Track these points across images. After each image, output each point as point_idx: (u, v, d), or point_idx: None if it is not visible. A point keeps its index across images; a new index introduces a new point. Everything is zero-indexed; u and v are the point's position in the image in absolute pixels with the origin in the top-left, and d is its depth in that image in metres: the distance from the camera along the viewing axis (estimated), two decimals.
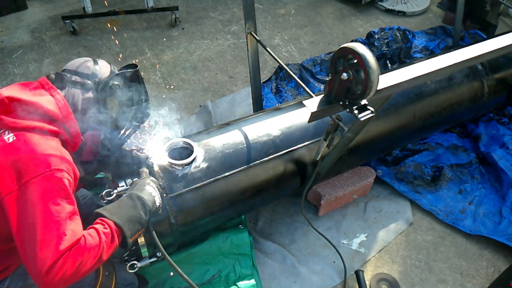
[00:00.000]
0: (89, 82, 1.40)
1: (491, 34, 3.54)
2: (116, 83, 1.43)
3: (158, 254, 1.65)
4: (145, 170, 1.57)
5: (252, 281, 1.98)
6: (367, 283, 2.10)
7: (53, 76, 1.37)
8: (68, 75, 1.38)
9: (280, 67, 3.11)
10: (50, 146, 1.21)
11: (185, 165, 1.69)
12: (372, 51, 1.18)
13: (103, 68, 1.45)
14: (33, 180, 1.12)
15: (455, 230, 2.36)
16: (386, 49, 3.35)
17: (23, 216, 1.10)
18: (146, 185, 1.46)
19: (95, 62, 1.45)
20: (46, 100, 1.28)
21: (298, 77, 2.45)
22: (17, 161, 1.13)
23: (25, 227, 1.09)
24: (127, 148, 1.68)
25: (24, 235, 1.09)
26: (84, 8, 3.51)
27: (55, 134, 1.27)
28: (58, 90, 1.34)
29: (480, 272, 2.20)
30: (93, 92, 1.40)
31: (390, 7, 4.12)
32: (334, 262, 2.16)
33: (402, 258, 2.24)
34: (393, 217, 2.40)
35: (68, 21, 3.50)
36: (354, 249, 2.24)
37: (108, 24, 3.73)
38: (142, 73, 1.54)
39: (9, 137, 1.16)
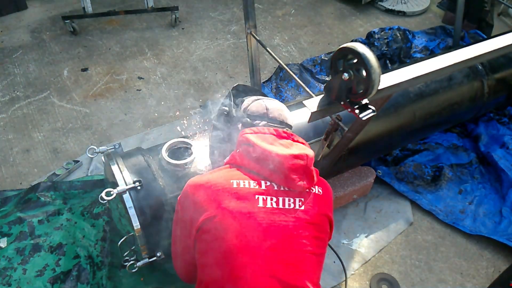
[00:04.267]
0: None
1: (487, 34, 3.54)
2: None
3: (158, 253, 1.65)
4: None
5: None
6: (367, 283, 2.10)
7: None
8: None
9: (280, 67, 3.11)
10: None
11: (185, 165, 1.69)
12: (372, 50, 1.18)
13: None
14: None
15: (455, 230, 2.36)
16: (386, 49, 3.35)
17: None
18: None
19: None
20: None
21: (298, 77, 2.45)
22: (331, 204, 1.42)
23: None
24: None
25: None
26: (84, 8, 3.51)
27: None
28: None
29: (480, 272, 2.20)
30: None
31: (390, 7, 4.12)
32: (334, 262, 2.16)
33: (402, 258, 2.24)
34: (393, 217, 2.40)
35: (68, 21, 3.50)
36: (354, 249, 2.25)
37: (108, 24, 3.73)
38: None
39: (319, 190, 1.39)
